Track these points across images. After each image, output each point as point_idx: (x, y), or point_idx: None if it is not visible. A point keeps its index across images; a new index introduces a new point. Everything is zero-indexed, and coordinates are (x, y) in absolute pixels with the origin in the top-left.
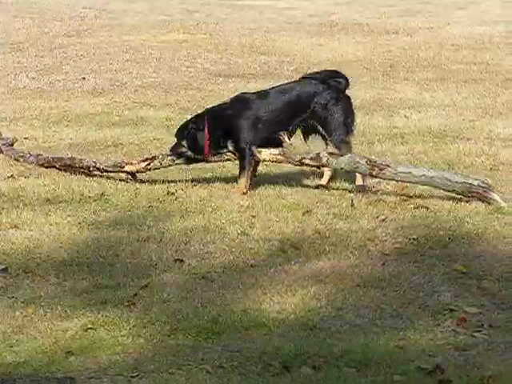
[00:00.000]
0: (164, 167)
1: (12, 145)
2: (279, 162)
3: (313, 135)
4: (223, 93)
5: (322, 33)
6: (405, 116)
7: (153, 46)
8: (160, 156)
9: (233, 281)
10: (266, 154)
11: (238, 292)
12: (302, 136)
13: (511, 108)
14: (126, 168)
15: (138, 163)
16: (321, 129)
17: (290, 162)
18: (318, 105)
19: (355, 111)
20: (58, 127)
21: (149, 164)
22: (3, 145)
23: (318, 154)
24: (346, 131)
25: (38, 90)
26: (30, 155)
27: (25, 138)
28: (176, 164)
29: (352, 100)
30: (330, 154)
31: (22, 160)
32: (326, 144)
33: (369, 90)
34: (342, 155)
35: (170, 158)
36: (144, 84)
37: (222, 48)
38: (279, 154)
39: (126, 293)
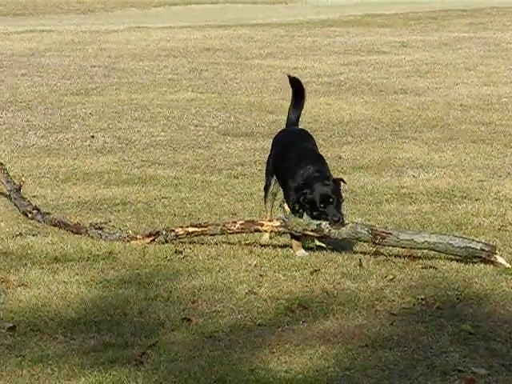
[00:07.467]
0: None
1: (19, 189)
2: (282, 233)
3: None
4: (232, 152)
5: (331, 92)
6: (413, 176)
7: (161, 104)
8: None
9: (240, 340)
10: (268, 226)
11: (246, 351)
12: None
13: None
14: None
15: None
16: None
17: (291, 233)
18: None
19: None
20: (67, 185)
21: None
22: (11, 191)
23: (319, 225)
24: None
25: (46, 148)
26: (38, 212)
27: (33, 196)
28: None
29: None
30: (331, 224)
31: (29, 216)
32: None
33: (377, 149)
34: (343, 225)
35: None
36: (152, 142)
37: (230, 107)
38: (281, 226)
39: (134, 352)
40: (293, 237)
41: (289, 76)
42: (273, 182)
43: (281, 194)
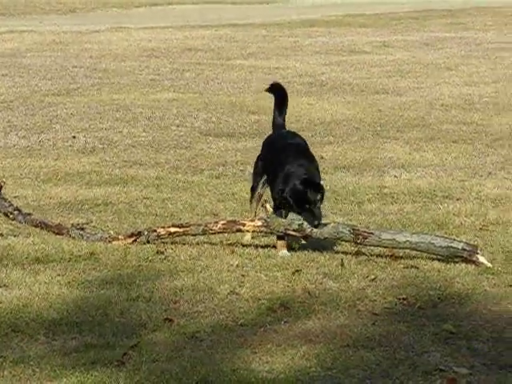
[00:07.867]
0: None
1: (0, 189)
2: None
3: None
4: (213, 152)
5: (312, 92)
6: (394, 176)
7: (143, 104)
8: None
9: (222, 340)
10: (250, 226)
11: (227, 352)
12: None
13: (500, 168)
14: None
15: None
16: None
17: (273, 233)
18: None
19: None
20: (48, 186)
21: None
22: None
23: (301, 225)
24: None
25: (27, 149)
26: (20, 213)
27: (14, 197)
28: None
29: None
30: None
31: (10, 217)
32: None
33: (358, 149)
34: (325, 225)
35: None
36: (134, 143)
37: (212, 107)
38: (263, 226)
39: (115, 352)
40: (278, 237)
41: (271, 84)
42: (260, 183)
43: (266, 196)
